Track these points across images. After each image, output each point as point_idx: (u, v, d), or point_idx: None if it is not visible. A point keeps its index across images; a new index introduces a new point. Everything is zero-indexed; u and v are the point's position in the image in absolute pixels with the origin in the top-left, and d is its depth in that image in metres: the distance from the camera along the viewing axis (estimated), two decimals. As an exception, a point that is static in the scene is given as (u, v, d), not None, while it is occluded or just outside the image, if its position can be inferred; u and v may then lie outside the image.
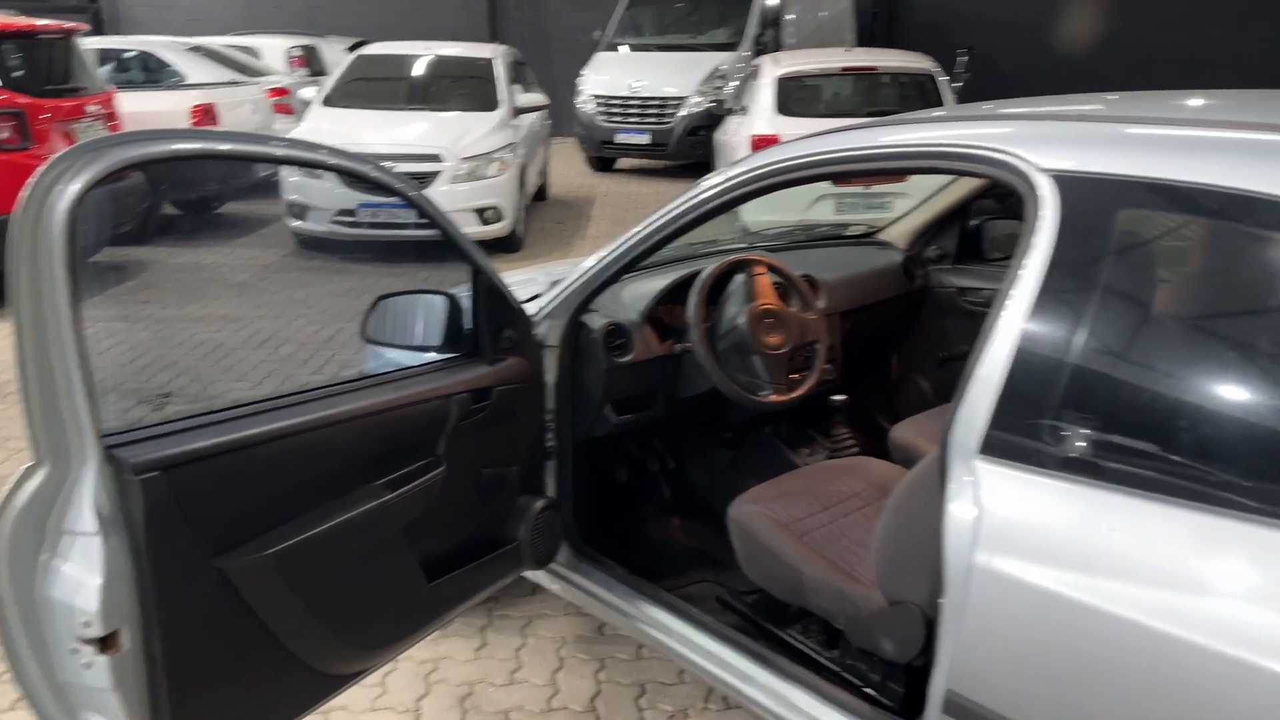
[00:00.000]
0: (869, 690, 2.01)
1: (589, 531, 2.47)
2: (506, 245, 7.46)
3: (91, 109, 6.77)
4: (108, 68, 8.95)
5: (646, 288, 2.64)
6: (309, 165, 1.84)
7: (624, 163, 12.13)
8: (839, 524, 2.22)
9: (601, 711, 2.50)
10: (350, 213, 6.87)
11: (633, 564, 2.41)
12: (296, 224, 7.17)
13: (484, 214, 7.16)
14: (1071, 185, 1.48)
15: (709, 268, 2.58)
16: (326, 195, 6.84)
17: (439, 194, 6.76)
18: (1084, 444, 1.39)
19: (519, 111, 8.01)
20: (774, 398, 2.55)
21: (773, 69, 7.74)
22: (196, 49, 9.55)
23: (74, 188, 1.40)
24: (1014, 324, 1.46)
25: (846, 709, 1.86)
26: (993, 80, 10.96)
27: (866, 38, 13.33)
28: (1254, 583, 1.24)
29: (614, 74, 11.38)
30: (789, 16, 11.81)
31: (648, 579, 2.35)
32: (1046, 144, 1.57)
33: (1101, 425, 1.40)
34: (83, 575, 1.44)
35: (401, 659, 2.64)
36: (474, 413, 2.05)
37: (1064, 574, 1.34)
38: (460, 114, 7.69)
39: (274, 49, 11.62)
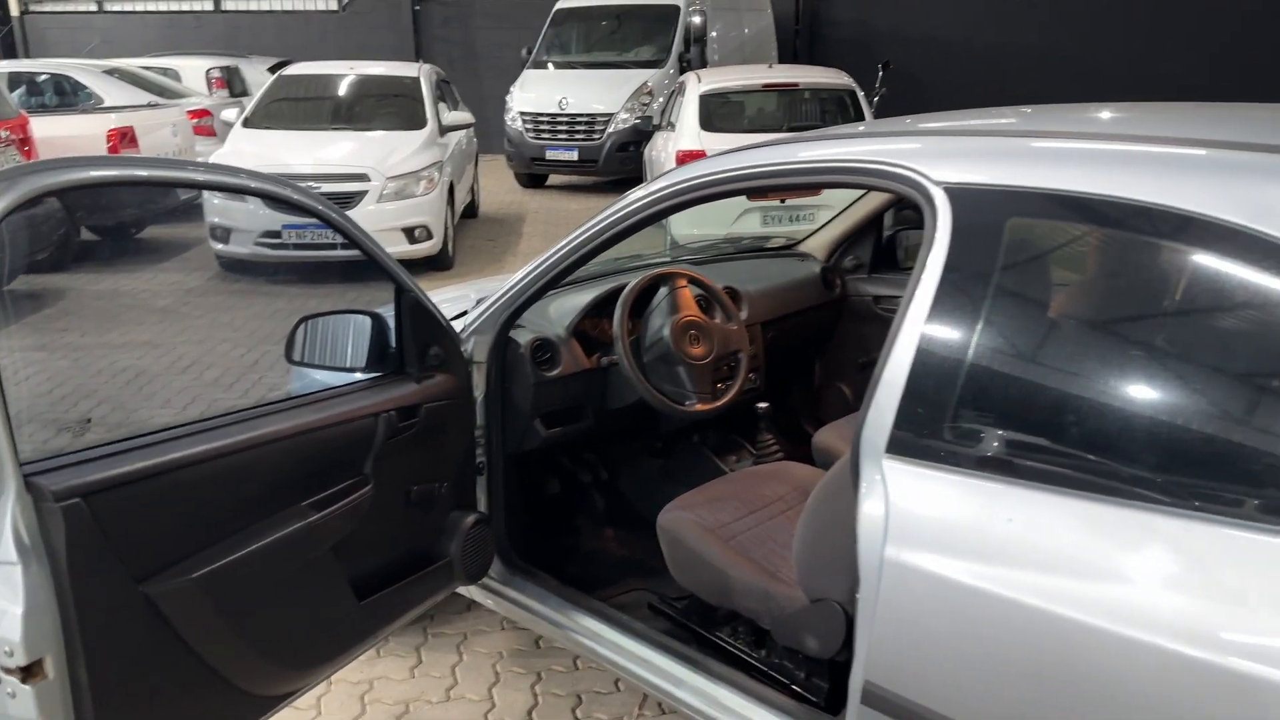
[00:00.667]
0: (795, 687, 2.07)
1: (521, 545, 2.50)
2: (437, 263, 7.44)
3: (3, 134, 6.61)
4: (20, 91, 8.74)
5: (572, 302, 2.68)
6: (229, 190, 1.85)
7: (555, 179, 12.16)
8: (764, 527, 2.28)
9: (538, 723, 2.53)
10: (275, 234, 6.78)
11: (566, 575, 2.45)
12: (220, 247, 7.04)
13: (413, 232, 7.13)
14: (963, 196, 1.57)
15: (633, 282, 2.64)
16: (250, 217, 6.73)
17: (366, 213, 6.72)
18: (981, 440, 1.47)
19: (445, 129, 8.00)
20: (699, 407, 2.61)
21: (696, 86, 7.88)
22: (113, 71, 9.36)
23: None
24: (914, 329, 1.54)
25: (774, 706, 1.92)
26: (911, 94, 11.26)
27: (788, 54, 13.62)
28: (1142, 566, 1.32)
29: (542, 91, 11.42)
30: (712, 34, 11.99)
31: (581, 589, 2.39)
32: (942, 158, 1.66)
33: (996, 422, 1.48)
34: (4, 604, 1.43)
35: (336, 679, 2.63)
36: (402, 430, 2.07)
37: (965, 564, 1.42)
38: (386, 133, 7.65)
39: (194, 70, 11.45)
